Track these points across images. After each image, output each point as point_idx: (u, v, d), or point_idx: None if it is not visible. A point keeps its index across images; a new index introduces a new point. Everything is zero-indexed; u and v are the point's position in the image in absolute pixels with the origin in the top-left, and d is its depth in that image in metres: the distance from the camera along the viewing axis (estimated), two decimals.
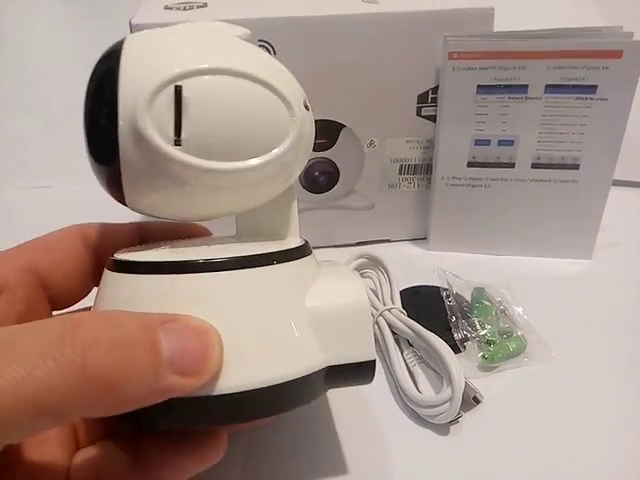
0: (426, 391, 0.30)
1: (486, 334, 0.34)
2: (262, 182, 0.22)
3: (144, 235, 0.26)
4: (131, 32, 0.35)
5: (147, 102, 0.19)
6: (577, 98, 0.38)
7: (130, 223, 0.26)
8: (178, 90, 0.19)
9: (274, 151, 0.21)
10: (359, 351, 0.22)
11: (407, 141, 0.42)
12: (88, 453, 0.21)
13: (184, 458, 0.20)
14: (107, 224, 0.25)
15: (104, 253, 0.23)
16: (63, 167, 0.54)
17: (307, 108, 0.23)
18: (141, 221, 0.27)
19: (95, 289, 0.23)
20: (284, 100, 0.21)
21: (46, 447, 0.20)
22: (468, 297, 0.37)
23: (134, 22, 0.35)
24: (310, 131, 0.23)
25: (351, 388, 0.32)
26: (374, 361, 0.22)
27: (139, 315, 0.17)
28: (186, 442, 0.20)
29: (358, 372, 0.22)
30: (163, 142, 0.19)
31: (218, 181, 0.21)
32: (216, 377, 0.18)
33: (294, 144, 0.22)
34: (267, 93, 0.21)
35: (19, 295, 0.21)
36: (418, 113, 0.41)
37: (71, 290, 0.24)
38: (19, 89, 0.59)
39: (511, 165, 0.41)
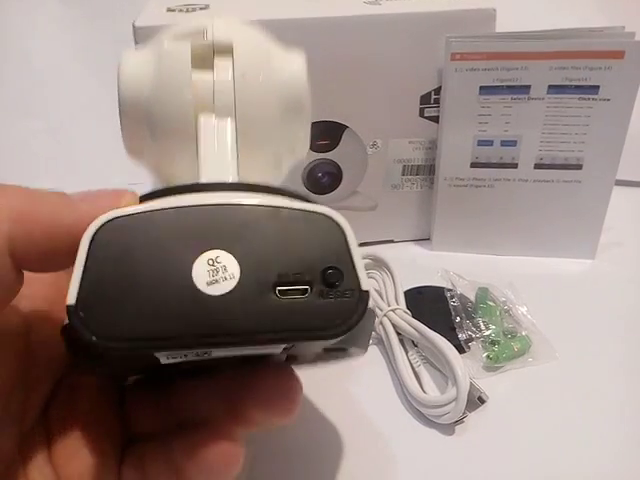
0: (431, 391, 0.30)
1: (490, 334, 0.34)
2: None
3: None
4: (134, 35, 0.35)
5: None
6: (580, 98, 0.38)
7: None
8: None
9: None
10: None
11: (410, 142, 0.42)
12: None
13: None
14: None
15: None
16: (66, 169, 0.54)
17: None
18: None
19: None
20: None
21: (95, 438, 0.20)
22: (472, 297, 0.37)
23: (137, 24, 0.35)
24: None
25: (356, 388, 0.32)
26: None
27: None
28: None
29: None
30: None
31: None
32: None
33: None
34: None
35: None
36: (421, 114, 0.41)
37: None
38: (21, 92, 0.59)
39: (514, 165, 0.41)
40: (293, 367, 0.20)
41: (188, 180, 0.19)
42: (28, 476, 0.18)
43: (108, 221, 0.16)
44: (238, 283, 0.15)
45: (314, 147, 0.41)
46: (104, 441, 0.20)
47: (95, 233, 0.16)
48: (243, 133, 0.22)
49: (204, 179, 0.20)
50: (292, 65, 0.23)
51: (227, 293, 0.15)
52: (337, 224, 0.17)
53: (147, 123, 0.22)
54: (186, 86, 0.21)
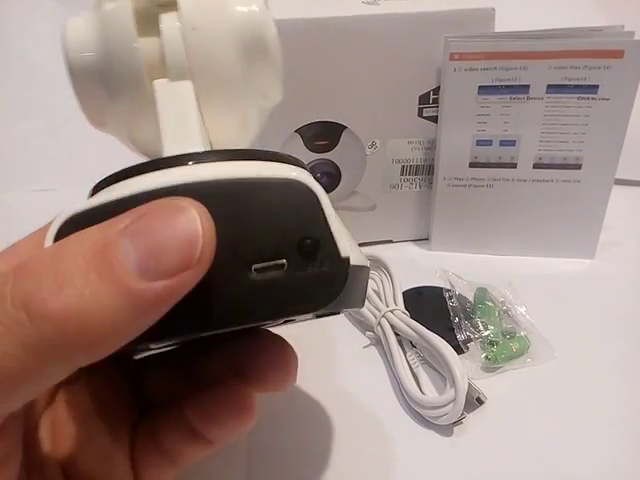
0: (429, 392, 0.30)
1: (489, 335, 0.34)
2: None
3: None
4: None
5: None
6: (579, 98, 0.38)
7: None
8: None
9: None
10: None
11: (409, 142, 0.42)
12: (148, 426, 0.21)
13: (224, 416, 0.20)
14: None
15: None
16: (65, 170, 0.54)
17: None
18: None
19: None
20: None
21: (107, 418, 0.20)
22: (471, 298, 0.37)
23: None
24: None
25: (354, 389, 0.32)
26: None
27: (92, 231, 0.14)
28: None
29: None
30: None
31: None
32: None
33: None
34: None
35: None
36: (419, 114, 0.41)
37: None
38: (21, 92, 0.59)
39: (513, 165, 0.41)
40: (291, 325, 0.21)
41: (157, 146, 0.19)
42: (30, 472, 0.18)
43: (69, 217, 0.15)
44: (211, 266, 0.14)
45: (313, 147, 0.40)
46: (115, 422, 0.20)
47: (58, 230, 0.15)
48: (205, 93, 0.20)
49: (166, 152, 0.19)
50: (249, 4, 0.20)
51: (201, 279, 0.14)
52: (310, 190, 0.16)
53: (102, 89, 0.20)
54: (131, 52, 0.19)
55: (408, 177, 0.43)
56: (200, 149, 0.19)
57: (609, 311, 0.38)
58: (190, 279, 0.13)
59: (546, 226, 0.42)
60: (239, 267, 0.15)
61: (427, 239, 0.45)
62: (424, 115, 0.41)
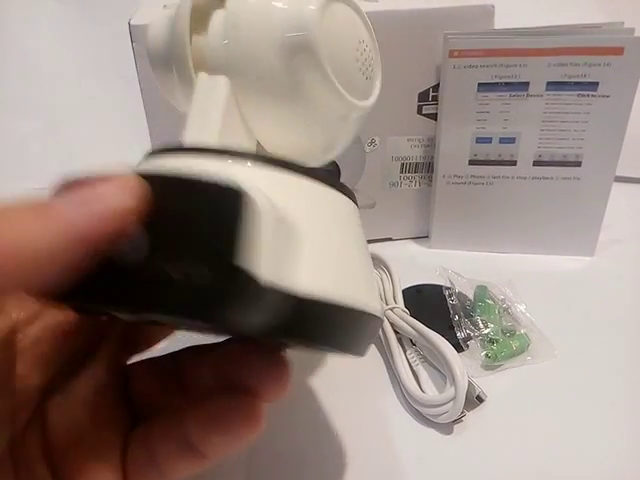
0: (429, 390, 0.30)
1: (489, 333, 0.34)
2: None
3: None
4: (130, 33, 0.35)
5: None
6: (579, 95, 0.38)
7: None
8: None
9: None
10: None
11: (408, 139, 0.41)
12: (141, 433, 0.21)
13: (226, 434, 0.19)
14: None
15: None
16: (64, 168, 0.54)
17: None
18: None
19: None
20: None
21: (100, 426, 0.20)
22: (471, 295, 0.37)
23: (133, 23, 0.35)
24: None
25: (354, 387, 0.32)
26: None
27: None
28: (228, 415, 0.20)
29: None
30: None
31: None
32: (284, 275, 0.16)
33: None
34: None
35: None
36: (419, 111, 0.40)
37: None
38: (19, 91, 0.59)
39: (513, 163, 0.41)
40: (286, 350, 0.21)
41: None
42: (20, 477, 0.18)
43: None
44: (145, 257, 0.15)
45: None
46: (106, 430, 0.20)
47: None
48: (243, 90, 0.20)
49: (184, 138, 0.20)
50: (301, 4, 0.20)
51: (135, 264, 0.15)
52: (241, 200, 0.15)
53: (171, 74, 0.22)
54: (182, 46, 0.21)
55: (408, 175, 0.43)
56: (209, 140, 0.20)
57: (609, 308, 0.38)
58: (112, 221, 0.14)
59: (546, 224, 0.42)
60: (156, 262, 0.15)
61: (427, 237, 0.45)
62: (423, 112, 0.40)
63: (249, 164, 0.18)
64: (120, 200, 0.15)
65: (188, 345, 0.22)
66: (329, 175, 0.20)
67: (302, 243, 0.17)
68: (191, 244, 0.15)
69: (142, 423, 0.20)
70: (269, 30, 0.20)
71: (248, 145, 0.22)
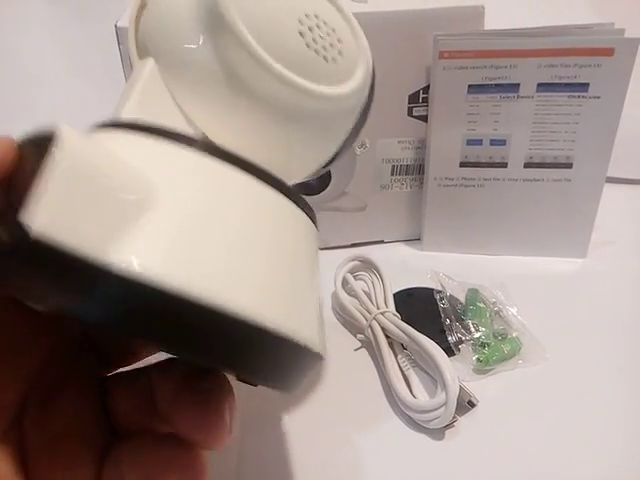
0: (420, 395, 0.30)
1: (480, 336, 0.34)
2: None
3: None
4: (117, 36, 0.35)
5: None
6: (569, 96, 0.38)
7: None
8: None
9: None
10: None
11: (399, 142, 0.41)
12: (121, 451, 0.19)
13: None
14: None
15: None
16: None
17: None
18: None
19: None
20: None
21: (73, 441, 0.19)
22: (462, 299, 0.37)
23: (120, 25, 0.34)
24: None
25: (344, 392, 0.32)
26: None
27: None
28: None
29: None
30: None
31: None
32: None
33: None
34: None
35: None
36: (409, 113, 0.40)
37: None
38: (8, 94, 0.58)
39: (503, 165, 0.40)
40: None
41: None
42: None
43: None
44: None
45: None
46: (83, 444, 0.19)
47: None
48: (170, 72, 0.19)
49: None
50: None
51: None
52: (50, 141, 0.13)
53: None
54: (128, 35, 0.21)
55: (398, 177, 0.43)
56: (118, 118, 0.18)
57: (601, 310, 0.37)
58: None
59: (537, 225, 0.42)
60: None
61: (419, 239, 0.45)
62: (414, 114, 0.40)
63: (135, 135, 0.17)
64: None
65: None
66: (285, 184, 0.18)
67: (149, 215, 0.14)
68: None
69: (119, 442, 0.20)
70: (179, 6, 0.19)
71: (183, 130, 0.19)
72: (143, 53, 0.20)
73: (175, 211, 0.15)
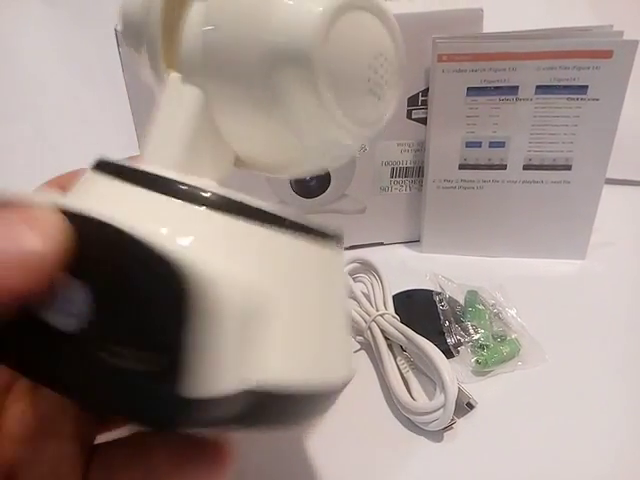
0: (419, 397, 0.30)
1: (479, 338, 0.34)
2: None
3: None
4: (117, 38, 0.35)
5: None
6: (568, 98, 0.38)
7: None
8: None
9: None
10: None
11: (398, 144, 0.41)
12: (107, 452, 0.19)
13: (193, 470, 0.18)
14: None
15: None
16: (52, 173, 0.53)
17: None
18: None
19: None
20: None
21: (60, 442, 0.19)
22: (461, 300, 0.37)
23: (119, 29, 0.34)
24: None
25: (342, 394, 0.32)
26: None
27: None
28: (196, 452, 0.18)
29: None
30: None
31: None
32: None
33: None
34: None
35: None
36: (408, 116, 0.40)
37: None
38: (6, 96, 0.59)
39: (503, 167, 0.40)
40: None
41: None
42: None
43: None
44: (79, 327, 0.12)
45: None
46: (68, 444, 0.19)
47: None
48: (222, 100, 0.17)
49: (142, 152, 0.17)
50: (299, 9, 0.16)
51: (69, 333, 0.13)
52: (182, 282, 0.11)
53: (140, 50, 0.19)
54: (153, 33, 0.17)
55: (398, 179, 0.43)
56: (171, 158, 0.17)
57: (600, 312, 0.37)
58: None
59: (537, 227, 0.42)
60: (91, 340, 0.12)
61: (418, 241, 0.45)
62: (413, 117, 0.40)
63: (203, 208, 0.15)
64: (35, 245, 0.12)
65: None
66: (302, 219, 0.17)
67: (272, 323, 0.14)
68: (127, 328, 0.12)
69: (108, 443, 0.20)
70: (255, 28, 0.16)
71: (221, 162, 0.18)
72: (188, 70, 0.17)
73: (280, 310, 0.14)
